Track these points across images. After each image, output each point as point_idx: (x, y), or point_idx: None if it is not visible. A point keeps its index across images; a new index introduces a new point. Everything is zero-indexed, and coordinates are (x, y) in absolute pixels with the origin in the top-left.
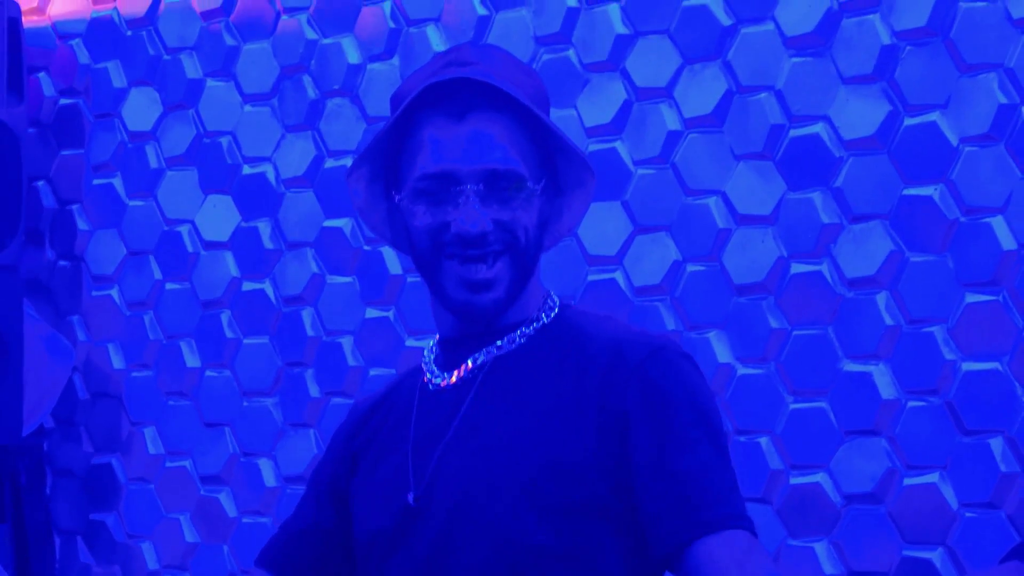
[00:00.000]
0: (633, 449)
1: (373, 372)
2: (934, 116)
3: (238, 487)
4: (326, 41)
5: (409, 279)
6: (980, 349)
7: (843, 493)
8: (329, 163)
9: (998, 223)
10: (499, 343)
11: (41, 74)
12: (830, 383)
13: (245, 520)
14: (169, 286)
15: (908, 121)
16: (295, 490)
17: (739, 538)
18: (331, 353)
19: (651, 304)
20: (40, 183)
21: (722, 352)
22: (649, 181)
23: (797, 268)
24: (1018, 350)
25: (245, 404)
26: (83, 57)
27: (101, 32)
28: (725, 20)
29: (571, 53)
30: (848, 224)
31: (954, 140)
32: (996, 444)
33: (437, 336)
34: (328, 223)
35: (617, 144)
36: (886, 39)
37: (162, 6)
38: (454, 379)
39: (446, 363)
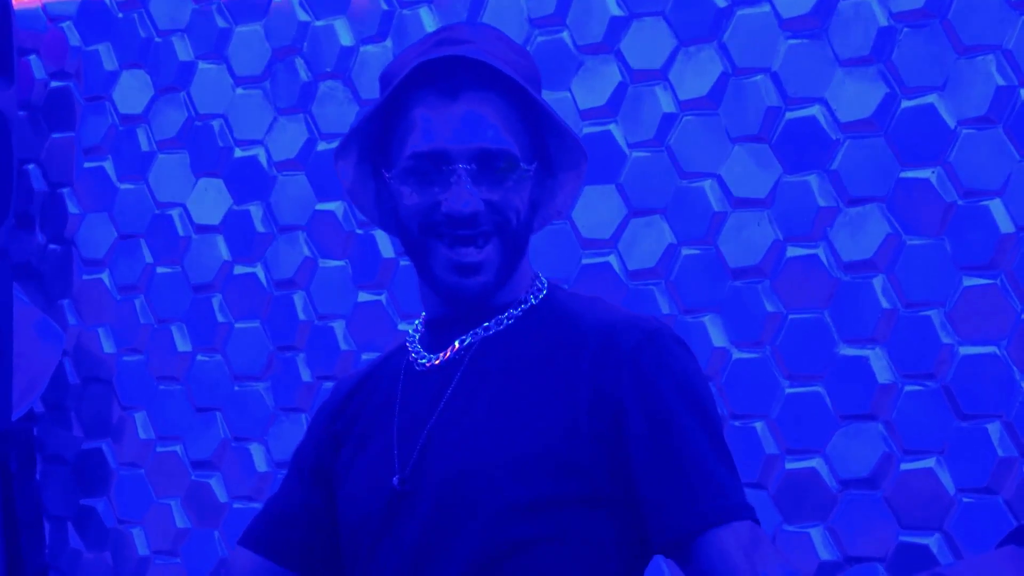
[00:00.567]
0: (628, 437)
1: (365, 356)
2: (931, 98)
3: (229, 472)
4: (319, 23)
5: (402, 263)
6: (977, 333)
7: (839, 478)
8: (321, 146)
9: (996, 206)
10: (487, 324)
11: (32, 56)
12: (826, 367)
13: (236, 505)
14: (160, 270)
15: (905, 103)
16: None
17: (746, 529)
18: (323, 337)
19: (646, 288)
20: (30, 166)
21: (717, 336)
22: (644, 164)
23: (793, 252)
24: (1016, 334)
25: (236, 389)
26: (74, 39)
27: (92, 14)
28: (721, 1)
29: (565, 35)
30: (844, 207)
31: (952, 123)
32: (993, 429)
33: (423, 315)
34: (320, 206)
35: (611, 127)
36: (883, 20)
37: None
38: (440, 360)
39: (432, 344)
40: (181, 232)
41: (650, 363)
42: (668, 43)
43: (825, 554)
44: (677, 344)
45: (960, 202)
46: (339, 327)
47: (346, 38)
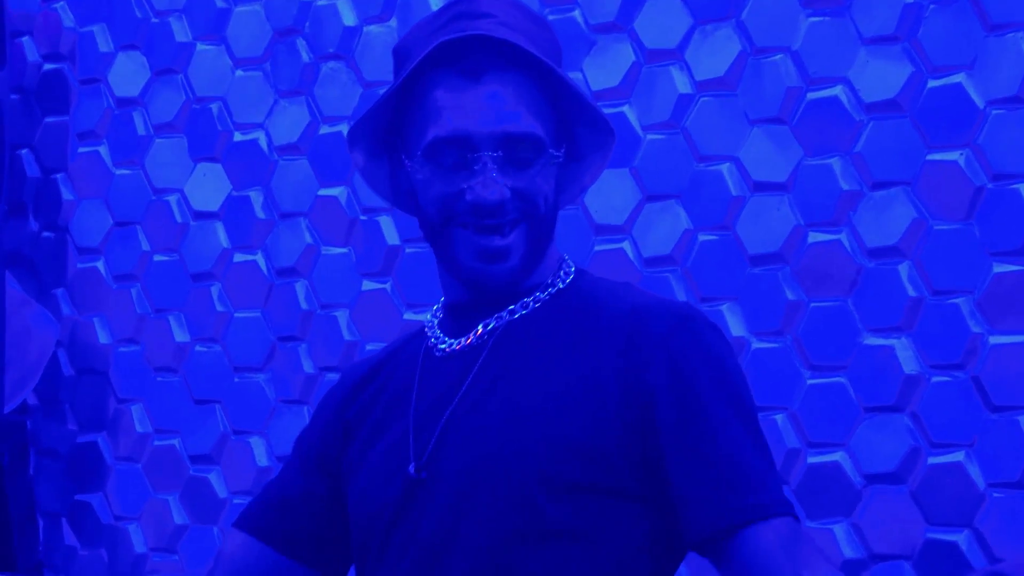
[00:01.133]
0: (660, 427)
1: (369, 347)
2: (959, 77)
3: (229, 466)
4: (321, 2)
5: (408, 250)
6: (1008, 321)
7: (863, 473)
8: (324, 129)
9: None
10: (511, 308)
11: (24, 38)
12: (850, 357)
13: (236, 501)
14: (157, 258)
15: (932, 83)
16: None
17: (786, 526)
18: (326, 327)
19: (661, 275)
20: (23, 151)
21: (736, 325)
22: (659, 147)
23: (815, 237)
24: None
25: (236, 380)
26: (68, 20)
27: None
28: None
29: (577, 13)
30: (868, 191)
31: (980, 102)
32: None
33: (443, 299)
34: (323, 192)
35: (625, 108)
36: None
37: None
38: (461, 345)
39: (454, 329)
40: (179, 219)
41: (683, 349)
42: (684, 21)
43: (849, 552)
44: (711, 330)
45: (989, 185)
46: (342, 316)
47: (349, 18)
